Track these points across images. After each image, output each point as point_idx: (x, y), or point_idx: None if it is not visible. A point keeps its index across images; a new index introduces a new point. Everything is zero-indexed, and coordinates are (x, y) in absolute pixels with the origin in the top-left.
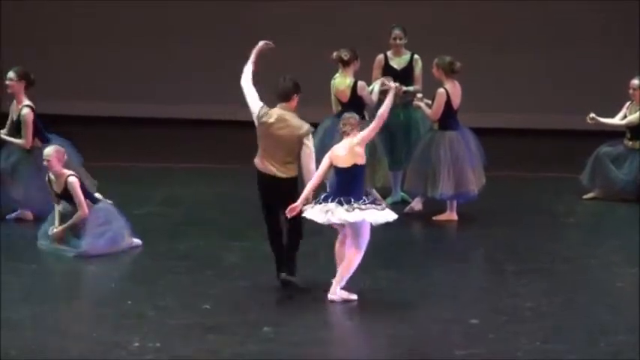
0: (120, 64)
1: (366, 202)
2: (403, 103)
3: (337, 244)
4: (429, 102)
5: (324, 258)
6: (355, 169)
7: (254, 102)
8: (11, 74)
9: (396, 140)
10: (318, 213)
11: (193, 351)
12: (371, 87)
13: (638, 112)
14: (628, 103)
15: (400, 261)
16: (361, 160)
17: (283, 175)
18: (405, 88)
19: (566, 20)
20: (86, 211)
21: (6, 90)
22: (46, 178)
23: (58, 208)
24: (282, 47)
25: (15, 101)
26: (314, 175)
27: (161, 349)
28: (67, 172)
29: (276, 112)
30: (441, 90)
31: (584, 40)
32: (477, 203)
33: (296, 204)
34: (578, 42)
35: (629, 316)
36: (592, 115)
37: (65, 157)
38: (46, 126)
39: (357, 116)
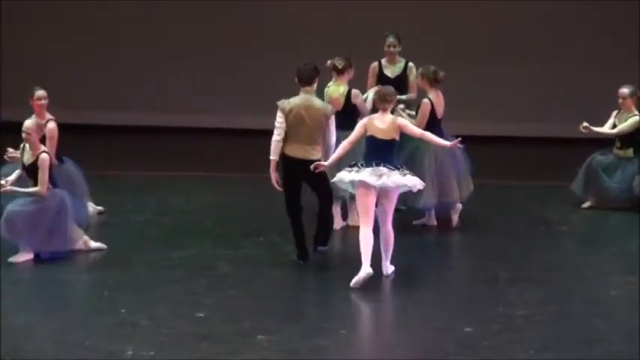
0: (113, 72)
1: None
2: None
3: (363, 234)
4: (413, 112)
5: (320, 265)
6: (393, 142)
7: (277, 118)
8: (44, 92)
9: None
10: (370, 175)
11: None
12: (365, 95)
13: (628, 121)
14: (615, 112)
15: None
16: (397, 137)
17: (314, 157)
18: (399, 97)
19: (558, 29)
20: (45, 191)
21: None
22: (21, 146)
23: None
24: (282, 54)
25: (35, 117)
26: (347, 141)
27: (155, 358)
28: (42, 147)
29: (299, 98)
30: (425, 100)
31: (576, 49)
32: (469, 211)
33: (325, 163)
34: (571, 50)
35: (623, 324)
36: (585, 124)
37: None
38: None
39: (395, 92)
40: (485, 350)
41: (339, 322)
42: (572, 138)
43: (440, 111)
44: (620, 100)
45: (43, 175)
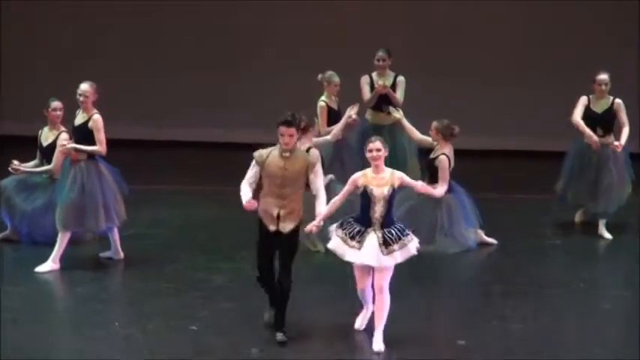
0: (109, 86)
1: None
2: (389, 124)
3: (363, 285)
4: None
5: (311, 280)
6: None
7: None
8: (59, 103)
9: None
10: (352, 251)
11: None
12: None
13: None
14: (585, 100)
15: None
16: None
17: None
18: (390, 109)
19: (553, 42)
20: (105, 149)
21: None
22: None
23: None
24: (279, 71)
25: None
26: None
27: None
28: (95, 110)
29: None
30: (443, 157)
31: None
32: None
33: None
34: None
35: (616, 338)
36: (595, 138)
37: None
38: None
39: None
40: None
41: (331, 335)
42: (562, 152)
43: (451, 164)
44: (603, 87)
45: (99, 134)
